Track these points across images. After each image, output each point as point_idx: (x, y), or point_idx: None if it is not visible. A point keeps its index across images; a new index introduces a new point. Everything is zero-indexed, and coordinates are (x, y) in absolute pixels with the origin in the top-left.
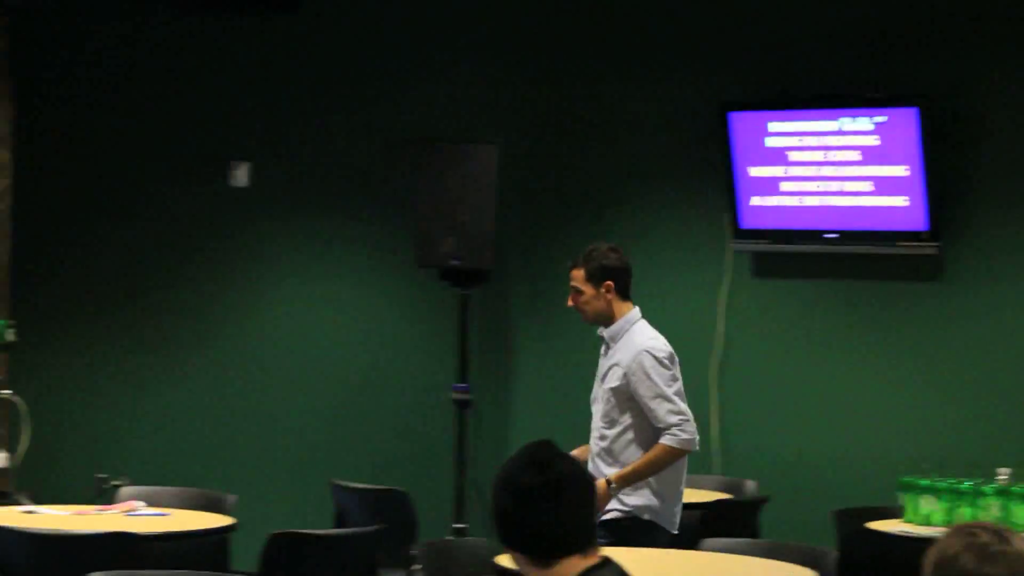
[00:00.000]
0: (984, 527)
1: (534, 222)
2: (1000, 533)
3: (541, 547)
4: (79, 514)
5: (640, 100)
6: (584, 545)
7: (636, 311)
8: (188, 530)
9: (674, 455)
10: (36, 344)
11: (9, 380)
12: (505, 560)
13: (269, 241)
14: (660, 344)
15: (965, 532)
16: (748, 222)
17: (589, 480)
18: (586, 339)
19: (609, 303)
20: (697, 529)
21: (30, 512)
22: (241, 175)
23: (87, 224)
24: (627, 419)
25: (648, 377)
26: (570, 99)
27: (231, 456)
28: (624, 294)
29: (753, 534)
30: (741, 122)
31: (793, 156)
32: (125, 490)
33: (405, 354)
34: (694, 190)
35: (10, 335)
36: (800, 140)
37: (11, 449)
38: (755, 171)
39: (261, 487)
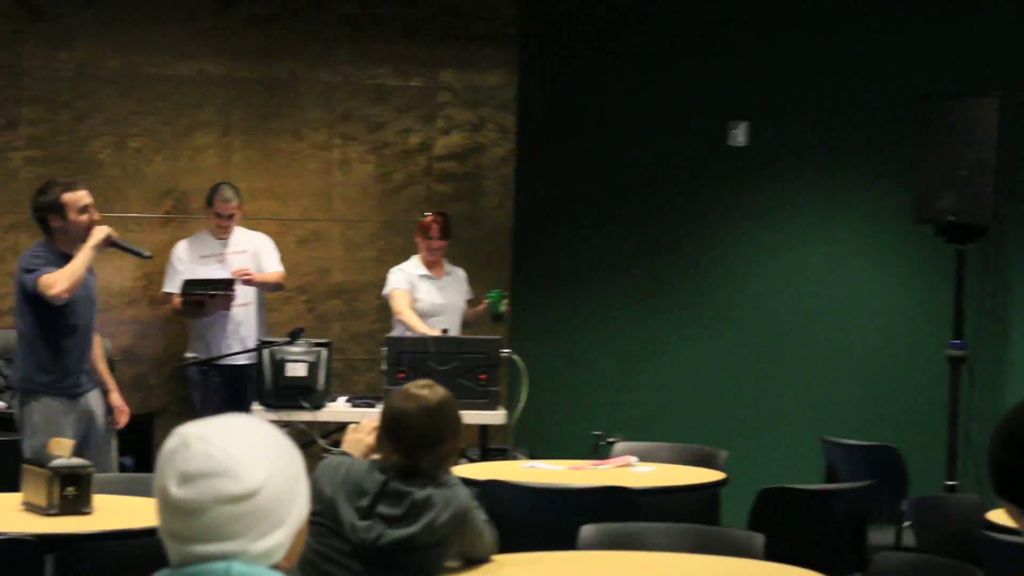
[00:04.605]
0: None
1: None
2: None
3: None
4: (574, 469)
5: None
6: None
7: None
8: (679, 485)
9: None
10: (536, 305)
11: (509, 339)
12: (997, 515)
13: (767, 201)
14: None
15: None
16: None
17: None
18: None
19: None
20: None
21: (527, 467)
22: (740, 134)
23: (584, 186)
24: None
25: None
26: None
27: (722, 412)
28: None
29: None
30: None
31: None
32: (619, 446)
33: (899, 311)
34: None
35: (504, 306)
36: None
37: (510, 406)
38: None
39: (752, 442)
